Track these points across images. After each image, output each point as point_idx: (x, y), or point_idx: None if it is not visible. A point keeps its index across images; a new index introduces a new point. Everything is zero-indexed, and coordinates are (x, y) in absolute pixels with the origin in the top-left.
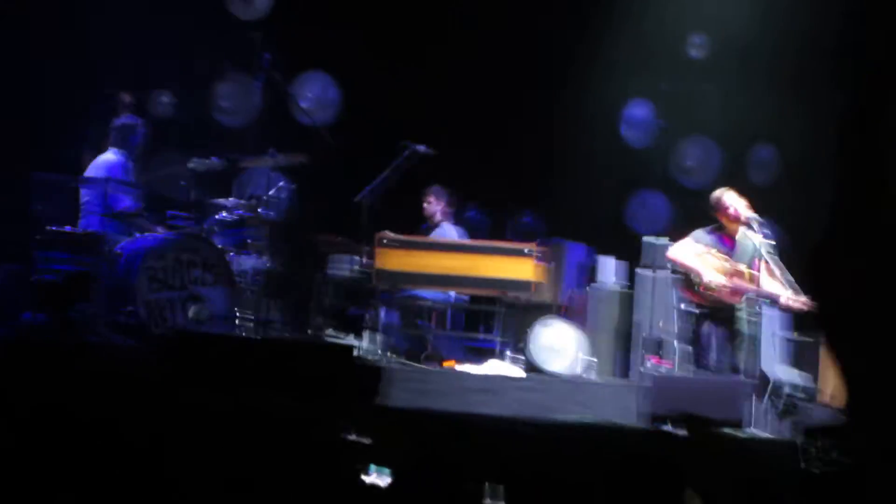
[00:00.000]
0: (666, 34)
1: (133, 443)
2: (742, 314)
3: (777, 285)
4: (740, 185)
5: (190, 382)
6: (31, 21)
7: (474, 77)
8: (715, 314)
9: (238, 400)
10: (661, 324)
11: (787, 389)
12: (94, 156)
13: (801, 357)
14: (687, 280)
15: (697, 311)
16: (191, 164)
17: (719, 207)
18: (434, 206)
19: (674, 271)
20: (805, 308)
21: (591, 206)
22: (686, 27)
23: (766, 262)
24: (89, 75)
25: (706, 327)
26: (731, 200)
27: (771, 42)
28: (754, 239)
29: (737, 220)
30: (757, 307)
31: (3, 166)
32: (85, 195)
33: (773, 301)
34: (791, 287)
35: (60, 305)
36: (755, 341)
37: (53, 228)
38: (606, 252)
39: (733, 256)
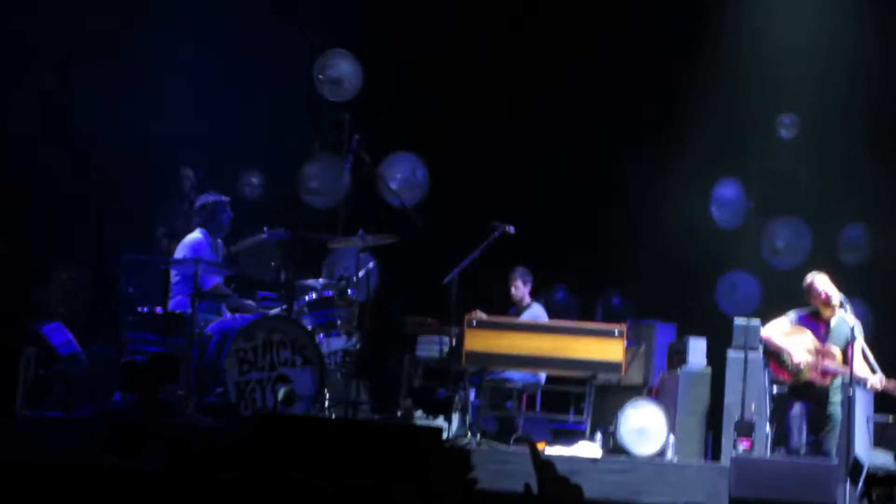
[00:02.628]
0: (755, 114)
1: None
2: (835, 397)
3: (865, 367)
4: (830, 265)
5: (276, 464)
6: (118, 98)
7: (562, 158)
8: (805, 394)
9: (326, 482)
10: (752, 406)
11: (881, 474)
12: (167, 233)
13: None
14: (777, 359)
15: (788, 391)
16: (262, 235)
17: (811, 293)
18: (521, 289)
19: (765, 351)
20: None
21: (681, 288)
22: (776, 108)
23: (855, 344)
24: (171, 154)
25: (796, 408)
26: (823, 285)
27: (860, 122)
28: (849, 321)
29: (828, 304)
30: (851, 390)
31: (94, 248)
32: (175, 275)
33: (863, 383)
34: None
35: (149, 387)
36: (848, 424)
37: (143, 310)
38: (696, 334)
39: (828, 339)
